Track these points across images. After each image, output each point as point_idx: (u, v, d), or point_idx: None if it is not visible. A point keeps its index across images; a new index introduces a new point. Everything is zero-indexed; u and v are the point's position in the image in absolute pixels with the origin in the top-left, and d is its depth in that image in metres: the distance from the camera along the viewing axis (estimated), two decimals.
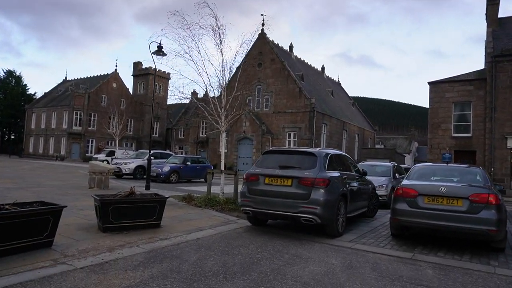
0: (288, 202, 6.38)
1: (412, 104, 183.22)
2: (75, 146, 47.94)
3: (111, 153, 41.49)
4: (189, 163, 18.40)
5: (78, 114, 48.09)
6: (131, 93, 56.99)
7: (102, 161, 40.10)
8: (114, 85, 52.67)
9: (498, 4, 24.94)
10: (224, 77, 11.57)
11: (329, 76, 50.23)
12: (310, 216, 6.19)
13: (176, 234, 6.32)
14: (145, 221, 6.52)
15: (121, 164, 18.07)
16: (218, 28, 11.08)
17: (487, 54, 23.53)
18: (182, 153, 47.14)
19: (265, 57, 34.77)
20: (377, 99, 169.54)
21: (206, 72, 11.59)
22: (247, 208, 6.82)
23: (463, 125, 23.63)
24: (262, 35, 33.43)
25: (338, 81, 53.61)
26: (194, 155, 24.76)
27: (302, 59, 43.01)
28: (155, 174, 17.33)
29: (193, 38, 11.25)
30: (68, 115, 48.42)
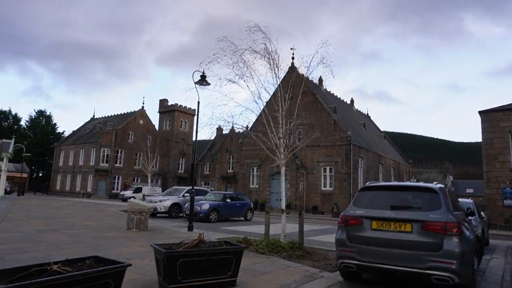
0: (409, 254, 4.79)
1: (435, 137, 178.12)
2: (102, 183, 47.45)
3: (138, 190, 40.59)
4: (228, 200, 16.94)
5: (105, 151, 48.01)
6: (157, 129, 57.10)
7: (129, 197, 39.30)
8: (141, 122, 52.88)
9: None
10: (281, 103, 10.47)
11: (358, 109, 48.91)
12: (446, 274, 4.56)
13: None
14: (219, 278, 5.03)
15: (156, 202, 16.78)
16: (273, 53, 10.17)
17: None
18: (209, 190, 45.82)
19: (296, 89, 33.88)
20: (398, 133, 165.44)
21: (260, 99, 10.58)
22: (348, 261, 5.24)
23: None
24: (292, 68, 32.83)
25: (367, 113, 52.13)
26: (232, 192, 23.28)
27: (331, 92, 42.05)
28: (193, 213, 15.90)
29: (244, 63, 10.31)
30: (95, 152, 48.42)
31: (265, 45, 10.01)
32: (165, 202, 17.00)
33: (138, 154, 51.79)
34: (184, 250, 4.77)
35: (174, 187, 22.65)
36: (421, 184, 5.86)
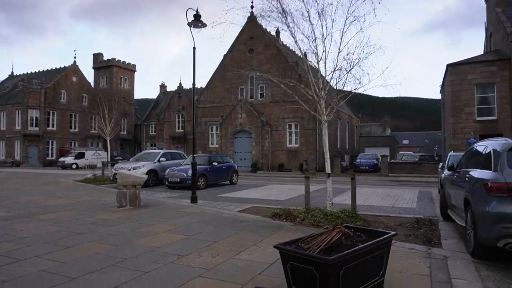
0: None
1: (364, 93, 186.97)
2: (33, 150, 41.78)
3: (80, 155, 36.47)
4: (215, 163, 15.06)
5: (34, 113, 41.90)
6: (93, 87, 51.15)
7: (71, 164, 35.08)
8: (74, 78, 46.73)
9: None
10: (321, 45, 8.77)
11: (311, 64, 48.15)
12: None
13: None
14: (372, 281, 3.54)
15: (129, 169, 14.29)
16: None
17: (507, 34, 22.24)
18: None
19: (257, 42, 31.77)
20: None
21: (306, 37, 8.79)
22: None
23: (487, 108, 22.39)
24: (252, 18, 30.29)
25: (319, 68, 51.72)
26: (217, 154, 21.28)
27: (286, 45, 40.39)
28: (178, 180, 13.90)
29: None
30: (21, 114, 42.00)
31: None
32: (141, 169, 14.62)
33: (73, 115, 46.31)
34: (347, 253, 3.13)
35: (145, 151, 20.01)
36: None
